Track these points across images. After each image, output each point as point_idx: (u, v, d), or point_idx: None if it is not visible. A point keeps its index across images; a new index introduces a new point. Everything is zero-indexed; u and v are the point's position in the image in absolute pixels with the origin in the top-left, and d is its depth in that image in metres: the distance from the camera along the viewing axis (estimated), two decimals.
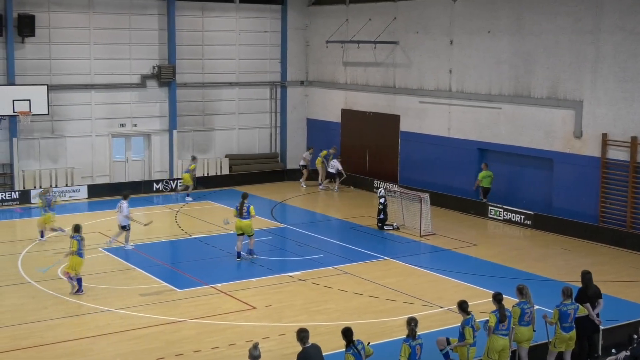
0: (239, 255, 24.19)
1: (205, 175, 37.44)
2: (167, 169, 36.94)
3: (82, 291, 20.77)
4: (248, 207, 23.90)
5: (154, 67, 36.03)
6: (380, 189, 30.16)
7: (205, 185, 36.24)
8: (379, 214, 28.61)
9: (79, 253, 20.72)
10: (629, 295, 21.05)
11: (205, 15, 37.54)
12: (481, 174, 31.06)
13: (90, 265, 22.26)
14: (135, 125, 36.08)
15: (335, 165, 35.80)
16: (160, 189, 35.63)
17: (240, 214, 23.94)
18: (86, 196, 33.91)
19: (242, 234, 24.04)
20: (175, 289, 21.48)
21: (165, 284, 21.88)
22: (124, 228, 25.37)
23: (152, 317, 19.12)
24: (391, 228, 28.33)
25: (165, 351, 17.02)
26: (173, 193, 35.17)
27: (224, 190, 36.04)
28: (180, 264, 24.82)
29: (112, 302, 20.21)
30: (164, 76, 35.95)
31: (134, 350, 17.14)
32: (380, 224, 28.47)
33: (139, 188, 35.09)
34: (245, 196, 24.41)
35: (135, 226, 25.78)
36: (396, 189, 31.28)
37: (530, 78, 29.81)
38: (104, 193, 34.09)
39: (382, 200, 28.56)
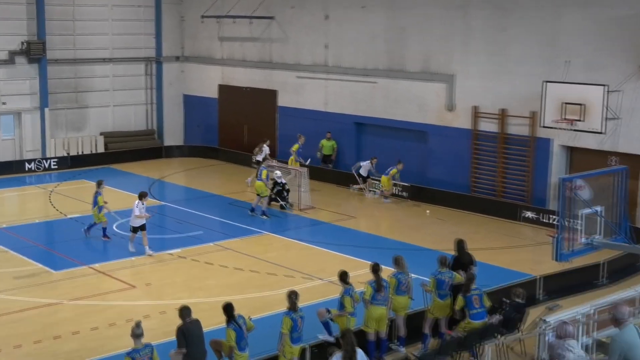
0: (252, 209, 27.06)
1: (80, 153, 36.53)
2: (40, 148, 35.76)
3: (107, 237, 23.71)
4: (261, 171, 26.98)
5: (22, 43, 34.71)
6: (276, 172, 28.40)
7: (82, 164, 35.49)
8: (279, 194, 28.04)
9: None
10: (500, 261, 21.84)
11: None
12: (325, 142, 32.52)
13: None
14: (4, 104, 34.70)
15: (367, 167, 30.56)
16: (33, 168, 34.53)
17: (256, 175, 27.44)
18: None
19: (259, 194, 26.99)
20: (52, 270, 20.94)
21: (41, 265, 21.28)
22: (134, 230, 22.54)
23: (28, 300, 18.60)
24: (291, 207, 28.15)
25: (42, 334, 16.60)
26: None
27: (100, 168, 35.25)
28: (56, 244, 24.23)
29: None
30: (34, 52, 34.72)
31: (9, 334, 16.64)
32: (284, 203, 27.99)
33: (10, 168, 33.96)
34: (257, 163, 29.23)
35: (4, 206, 24.94)
36: (274, 164, 31.32)
37: (404, 53, 30.35)
38: None
39: (282, 181, 28.16)
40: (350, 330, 12.39)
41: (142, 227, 22.34)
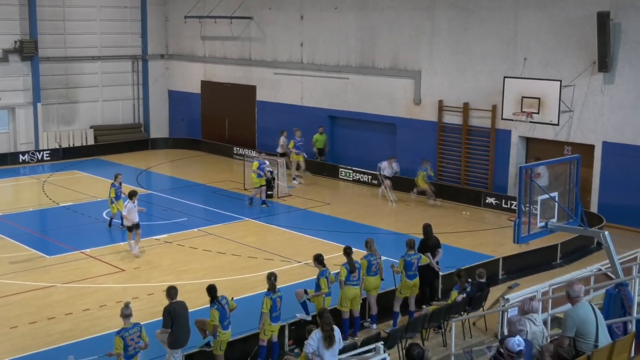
0: (263, 202, 26.39)
1: (71, 146, 36.24)
2: (33, 140, 35.43)
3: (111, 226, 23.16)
4: (252, 162, 26.76)
5: (15, 42, 34.32)
6: (265, 162, 27.02)
7: (73, 155, 35.22)
8: (268, 183, 26.88)
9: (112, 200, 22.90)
10: (463, 244, 21.98)
11: None
12: (318, 137, 31.36)
13: None
14: None
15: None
16: (27, 160, 34.23)
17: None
18: None
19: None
20: (45, 255, 20.80)
21: (35, 251, 21.13)
22: (129, 229, 21.09)
23: (23, 284, 18.47)
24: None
25: (37, 316, 16.51)
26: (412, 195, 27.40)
27: (90, 160, 35.04)
28: (49, 231, 24.05)
29: None
30: (26, 51, 34.34)
31: (6, 316, 16.53)
32: (270, 192, 27.19)
33: (5, 160, 33.65)
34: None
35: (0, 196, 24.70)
36: (254, 155, 31.26)
37: (374, 51, 30.35)
38: None
39: (270, 169, 27.33)
40: (327, 310, 12.41)
41: (136, 226, 20.84)
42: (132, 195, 21.07)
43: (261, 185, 26.36)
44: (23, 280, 18.73)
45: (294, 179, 30.02)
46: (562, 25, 24.70)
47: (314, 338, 11.48)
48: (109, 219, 23.53)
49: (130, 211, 20.83)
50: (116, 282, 18.72)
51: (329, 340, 11.41)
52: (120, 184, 23.21)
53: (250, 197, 26.70)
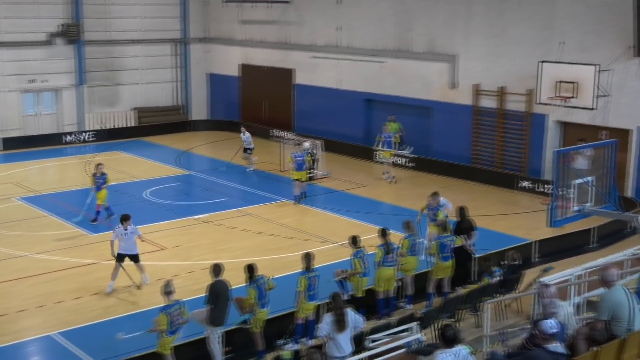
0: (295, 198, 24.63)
1: (115, 127, 36.59)
2: (77, 122, 35.84)
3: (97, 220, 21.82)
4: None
5: (60, 26, 34.66)
6: (305, 143, 26.26)
7: (116, 136, 35.56)
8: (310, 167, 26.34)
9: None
10: (498, 227, 21.80)
11: None
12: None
13: (5, 214, 21.54)
14: (44, 81, 34.76)
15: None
16: (72, 140, 34.65)
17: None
18: (1, 148, 32.76)
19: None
20: (89, 233, 21.06)
21: (79, 229, 21.41)
22: (117, 259, 17.12)
23: (68, 260, 18.76)
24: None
25: (82, 291, 16.77)
26: None
27: (133, 141, 35.34)
28: (92, 210, 24.24)
29: (28, 248, 19.71)
30: (71, 34, 34.68)
31: (52, 291, 16.81)
32: (311, 174, 26.73)
33: (51, 140, 34.08)
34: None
35: (45, 175, 24.87)
36: (292, 137, 31.29)
37: (410, 35, 30.13)
38: (18, 145, 33.11)
39: (313, 151, 27.09)
40: (339, 294, 12.27)
41: (134, 258, 17.20)
42: (123, 220, 17.14)
43: (298, 179, 24.61)
44: (67, 257, 19.02)
45: (384, 174, 27.98)
46: (598, 10, 24.27)
47: (326, 321, 11.43)
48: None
49: (119, 238, 17.05)
50: (158, 260, 18.90)
51: (338, 324, 11.33)
52: (101, 174, 21.88)
53: (297, 196, 24.71)
